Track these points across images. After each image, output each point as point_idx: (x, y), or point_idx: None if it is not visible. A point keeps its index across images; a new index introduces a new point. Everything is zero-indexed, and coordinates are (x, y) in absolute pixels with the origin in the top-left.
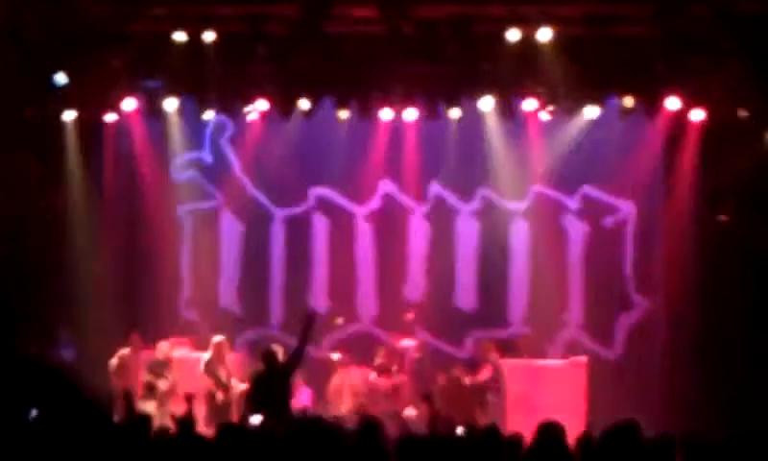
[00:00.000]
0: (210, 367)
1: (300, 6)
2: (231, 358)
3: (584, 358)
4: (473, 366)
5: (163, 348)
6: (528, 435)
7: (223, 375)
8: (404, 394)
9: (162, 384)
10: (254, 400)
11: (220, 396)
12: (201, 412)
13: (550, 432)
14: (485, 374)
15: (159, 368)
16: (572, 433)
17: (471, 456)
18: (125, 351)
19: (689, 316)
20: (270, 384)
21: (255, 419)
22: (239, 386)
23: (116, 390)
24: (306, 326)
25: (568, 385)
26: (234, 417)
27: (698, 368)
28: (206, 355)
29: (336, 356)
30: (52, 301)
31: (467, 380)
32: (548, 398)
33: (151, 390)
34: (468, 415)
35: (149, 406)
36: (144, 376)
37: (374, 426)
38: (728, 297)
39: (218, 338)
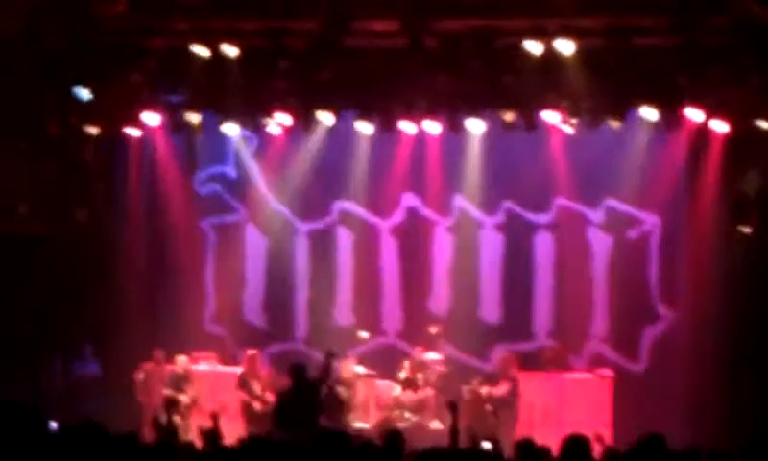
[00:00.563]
0: (243, 380)
1: (321, 20)
2: (264, 371)
3: (609, 371)
4: (495, 379)
5: (182, 362)
6: (554, 448)
7: (257, 387)
8: (430, 408)
9: (183, 398)
10: (281, 414)
11: (258, 406)
12: (239, 425)
13: (576, 445)
14: (503, 388)
15: (179, 382)
16: (598, 446)
17: None
18: (148, 365)
19: (714, 328)
20: (298, 399)
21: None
22: (271, 398)
23: (141, 404)
24: (325, 366)
25: (594, 398)
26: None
27: (724, 380)
28: (239, 369)
29: (361, 370)
30: (77, 316)
31: (483, 392)
32: (574, 411)
33: (173, 404)
34: (490, 428)
35: (175, 421)
36: (165, 391)
37: (398, 440)
38: (752, 308)
39: (251, 352)
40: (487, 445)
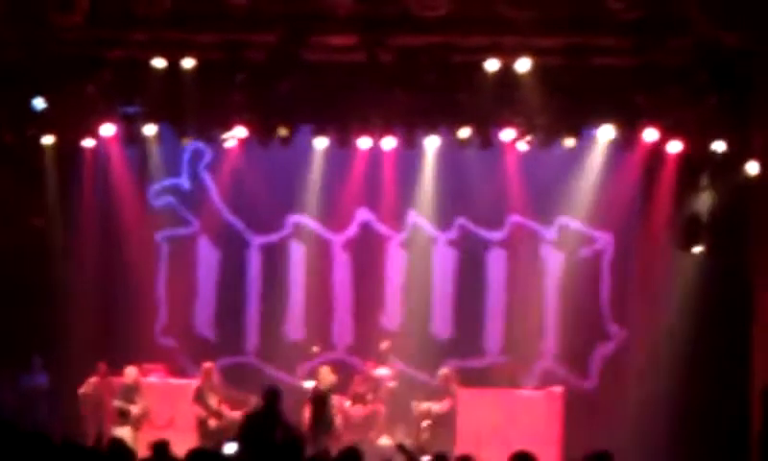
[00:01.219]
0: (200, 394)
1: (278, 33)
2: (219, 385)
3: (559, 389)
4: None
5: (131, 373)
6: None
7: (213, 402)
8: (379, 423)
9: (134, 409)
10: (246, 434)
11: (213, 422)
12: (192, 440)
13: None
14: (445, 404)
15: (129, 393)
16: None
17: None
18: (93, 379)
19: (665, 347)
20: (264, 422)
21: (230, 447)
22: (230, 413)
23: (86, 418)
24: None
25: (544, 415)
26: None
27: (673, 399)
28: (190, 382)
29: (310, 384)
30: (27, 327)
31: (423, 408)
32: (524, 428)
33: (123, 415)
34: (426, 444)
35: (123, 432)
36: (115, 403)
37: (356, 456)
38: (703, 328)
39: (207, 365)
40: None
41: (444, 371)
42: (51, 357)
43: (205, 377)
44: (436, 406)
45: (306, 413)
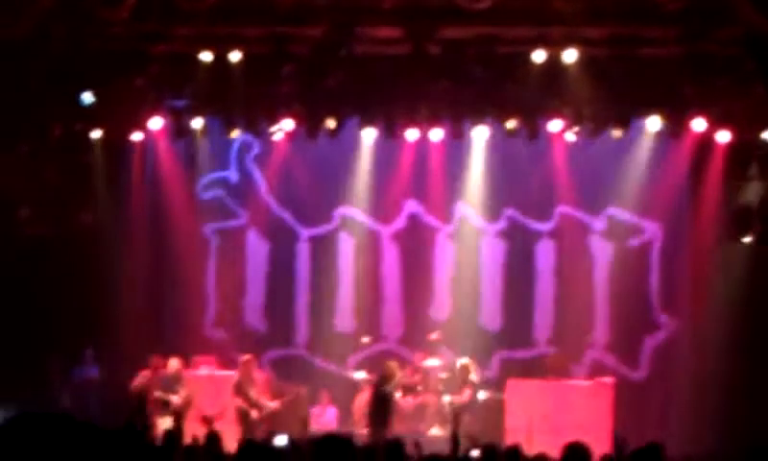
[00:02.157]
0: (240, 387)
1: (325, 26)
2: (259, 377)
3: (610, 379)
4: (497, 385)
5: (173, 364)
6: (554, 455)
7: (253, 393)
8: (429, 414)
9: (175, 399)
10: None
11: (254, 414)
12: (235, 431)
13: (576, 453)
14: (466, 394)
15: (170, 383)
16: (597, 454)
17: None
18: (145, 372)
19: (715, 337)
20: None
21: (280, 439)
22: (269, 404)
23: (136, 410)
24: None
25: (594, 406)
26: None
27: (723, 389)
28: (235, 375)
29: (361, 376)
30: (78, 320)
31: (446, 402)
32: (574, 418)
33: (164, 405)
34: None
35: (164, 422)
36: (156, 393)
37: (399, 447)
38: (753, 318)
39: (245, 357)
40: (475, 453)
41: (462, 362)
42: (102, 350)
43: (245, 370)
44: (458, 398)
45: (365, 404)
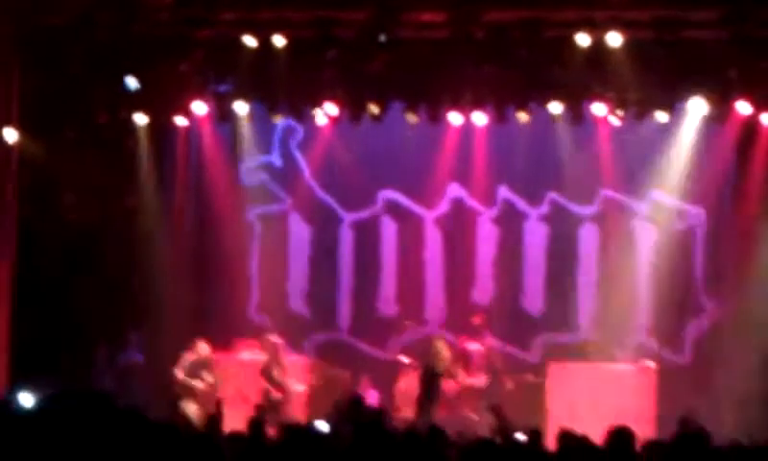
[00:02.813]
0: (266, 369)
1: (369, 10)
2: (292, 360)
3: (653, 363)
4: (539, 369)
5: (202, 349)
6: (595, 439)
7: (277, 375)
8: (472, 398)
9: (199, 384)
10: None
11: (278, 395)
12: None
13: (621, 437)
14: (482, 380)
15: (197, 368)
16: (641, 439)
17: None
18: (189, 355)
19: (760, 322)
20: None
21: (322, 424)
22: (294, 387)
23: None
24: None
25: (637, 390)
26: (291, 416)
27: (767, 375)
28: (263, 358)
29: (404, 359)
30: (123, 304)
31: (458, 383)
32: (617, 402)
33: (189, 391)
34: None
35: (190, 407)
36: (179, 377)
37: (439, 433)
38: None
39: (273, 339)
40: (521, 436)
41: (481, 348)
42: (147, 335)
43: (272, 352)
44: (473, 381)
45: (413, 385)
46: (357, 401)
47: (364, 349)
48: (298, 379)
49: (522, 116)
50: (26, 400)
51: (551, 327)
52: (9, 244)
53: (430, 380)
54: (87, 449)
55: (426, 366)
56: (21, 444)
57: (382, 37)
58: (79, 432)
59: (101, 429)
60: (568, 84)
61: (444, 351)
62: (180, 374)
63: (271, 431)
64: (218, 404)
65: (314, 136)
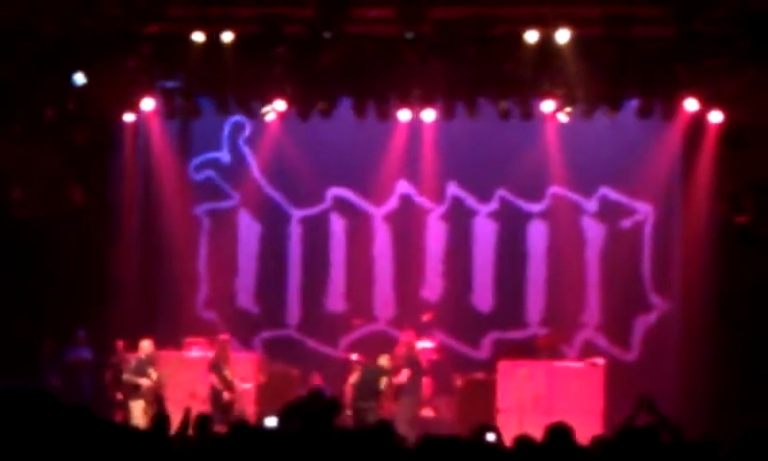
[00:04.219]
0: (215, 365)
1: (317, 7)
2: (241, 357)
3: (601, 360)
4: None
5: (145, 347)
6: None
7: (228, 373)
8: (417, 394)
9: (144, 382)
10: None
11: (226, 395)
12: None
13: (559, 434)
14: (404, 375)
15: (142, 366)
16: (589, 434)
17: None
18: (113, 358)
19: (707, 318)
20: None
21: (270, 421)
22: (242, 386)
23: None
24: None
25: (586, 387)
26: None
27: (715, 370)
28: (211, 354)
29: (354, 357)
30: (70, 300)
31: (383, 383)
32: (565, 399)
33: (135, 389)
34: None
35: (136, 405)
36: (125, 376)
37: (389, 427)
38: (746, 298)
39: (222, 336)
40: (491, 436)
41: (402, 341)
42: (94, 331)
43: (221, 349)
44: (397, 379)
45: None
46: (318, 393)
47: (313, 346)
48: (246, 376)
49: (470, 113)
50: None
51: (500, 324)
52: None
53: (370, 382)
54: (30, 449)
55: (366, 372)
56: None
57: (327, 34)
58: (21, 431)
59: (45, 428)
60: (517, 80)
61: (387, 371)
62: (126, 373)
63: (219, 428)
64: (160, 402)
65: (262, 132)
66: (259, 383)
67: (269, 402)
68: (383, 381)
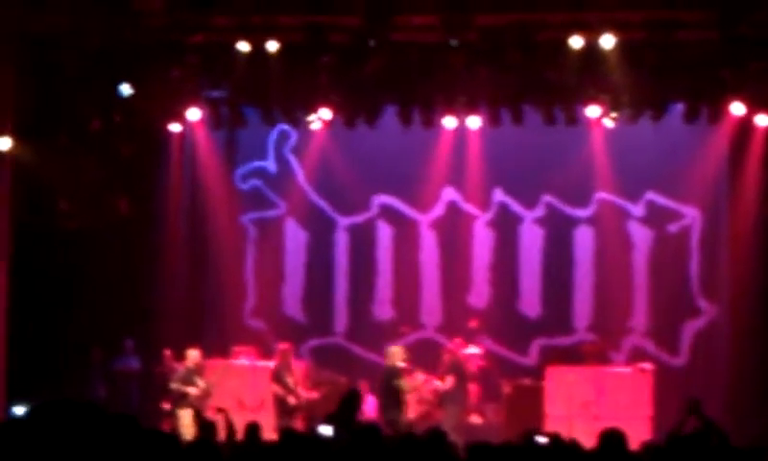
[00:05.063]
0: (278, 374)
1: (362, 15)
2: (296, 366)
3: (649, 365)
4: (537, 373)
5: (192, 356)
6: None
7: (290, 381)
8: (465, 401)
9: (192, 391)
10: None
11: (292, 400)
12: (269, 419)
13: (612, 439)
14: (449, 382)
15: (189, 375)
16: (638, 440)
17: None
18: (159, 367)
19: (755, 322)
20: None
21: (325, 429)
22: (305, 394)
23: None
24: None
25: (634, 392)
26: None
27: (764, 376)
28: (273, 363)
29: (401, 364)
30: (118, 310)
31: (427, 387)
32: (614, 405)
33: (182, 398)
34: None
35: (184, 413)
36: (172, 385)
37: (441, 435)
38: None
39: (283, 345)
40: (542, 439)
41: (447, 348)
42: (143, 341)
43: (282, 358)
44: (441, 385)
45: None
46: (355, 394)
47: (360, 353)
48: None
49: (517, 119)
50: (18, 409)
51: (548, 330)
52: (5, 251)
53: (387, 386)
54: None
55: (384, 373)
56: (8, 456)
57: (372, 42)
58: (68, 442)
59: (92, 438)
60: (562, 86)
61: (396, 356)
62: (173, 382)
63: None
64: (199, 412)
65: (308, 141)
66: (322, 393)
67: (319, 411)
68: (400, 384)
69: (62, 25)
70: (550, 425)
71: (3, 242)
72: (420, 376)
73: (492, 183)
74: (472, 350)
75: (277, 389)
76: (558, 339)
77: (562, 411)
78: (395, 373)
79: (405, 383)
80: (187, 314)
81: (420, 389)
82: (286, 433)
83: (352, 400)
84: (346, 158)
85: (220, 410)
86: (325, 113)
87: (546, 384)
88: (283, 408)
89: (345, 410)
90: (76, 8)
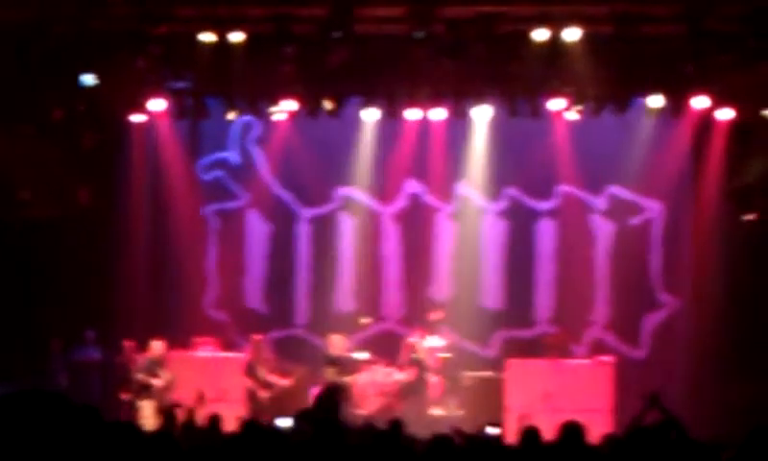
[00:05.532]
0: (250, 367)
1: (327, 6)
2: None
3: (610, 358)
4: (498, 365)
5: (156, 347)
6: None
7: (263, 373)
8: (423, 393)
9: (156, 382)
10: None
11: (262, 394)
12: (242, 412)
13: (572, 432)
14: (410, 374)
15: (153, 367)
16: (598, 432)
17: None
18: (118, 358)
19: (716, 315)
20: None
21: (283, 421)
22: (280, 382)
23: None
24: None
25: (595, 384)
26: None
27: (724, 368)
28: (240, 355)
29: (362, 356)
30: (78, 301)
31: (387, 380)
32: (574, 397)
33: (146, 388)
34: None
35: (146, 405)
36: (137, 376)
37: (400, 427)
38: (754, 296)
39: (257, 337)
40: (493, 430)
41: (408, 341)
42: (103, 331)
43: (255, 350)
44: (401, 377)
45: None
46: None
47: (321, 345)
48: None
49: (479, 112)
50: None
51: (510, 322)
52: None
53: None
54: (41, 450)
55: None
56: None
57: (337, 33)
58: (32, 432)
59: (55, 429)
60: (526, 79)
61: (335, 344)
62: (138, 372)
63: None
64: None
65: (272, 132)
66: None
67: (281, 402)
68: (326, 372)
69: (26, 14)
70: (510, 418)
71: None
72: (380, 369)
73: (454, 176)
74: (434, 342)
75: (250, 383)
76: (520, 331)
77: (522, 403)
78: (326, 361)
79: (331, 372)
80: (148, 305)
81: (353, 382)
82: (248, 425)
83: (332, 397)
84: (309, 150)
85: (200, 398)
86: (289, 104)
87: (507, 376)
88: (254, 402)
89: (323, 407)
90: None
